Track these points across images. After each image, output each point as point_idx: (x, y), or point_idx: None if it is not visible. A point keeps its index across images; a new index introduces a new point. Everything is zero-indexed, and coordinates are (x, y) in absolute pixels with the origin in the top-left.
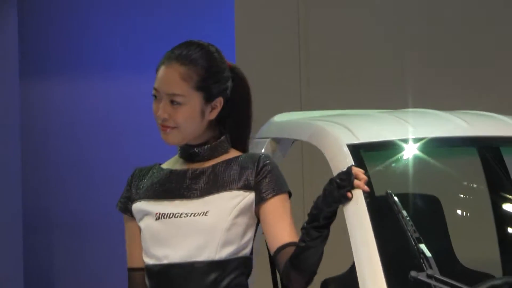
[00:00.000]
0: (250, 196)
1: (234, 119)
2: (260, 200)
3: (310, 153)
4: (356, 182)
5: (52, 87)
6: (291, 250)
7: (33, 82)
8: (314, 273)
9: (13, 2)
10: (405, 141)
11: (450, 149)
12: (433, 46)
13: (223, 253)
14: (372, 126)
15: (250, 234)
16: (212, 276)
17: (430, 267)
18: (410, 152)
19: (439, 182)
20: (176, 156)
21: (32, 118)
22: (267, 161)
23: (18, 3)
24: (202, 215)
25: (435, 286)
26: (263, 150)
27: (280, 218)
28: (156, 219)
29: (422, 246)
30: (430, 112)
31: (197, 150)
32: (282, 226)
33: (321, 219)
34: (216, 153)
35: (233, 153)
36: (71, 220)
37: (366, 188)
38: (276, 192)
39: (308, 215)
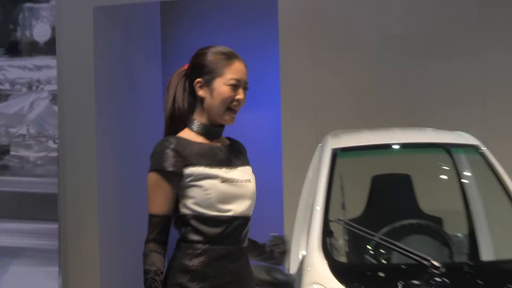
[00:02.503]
0: None
1: None
2: None
3: None
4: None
5: None
6: None
7: None
8: None
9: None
10: (368, 146)
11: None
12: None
13: (252, 211)
14: (355, 137)
15: None
16: (248, 225)
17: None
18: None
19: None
20: (193, 133)
21: None
22: None
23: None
24: (248, 181)
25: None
26: None
27: None
28: (222, 182)
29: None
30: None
31: (219, 130)
32: None
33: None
34: None
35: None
36: None
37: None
38: None
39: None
